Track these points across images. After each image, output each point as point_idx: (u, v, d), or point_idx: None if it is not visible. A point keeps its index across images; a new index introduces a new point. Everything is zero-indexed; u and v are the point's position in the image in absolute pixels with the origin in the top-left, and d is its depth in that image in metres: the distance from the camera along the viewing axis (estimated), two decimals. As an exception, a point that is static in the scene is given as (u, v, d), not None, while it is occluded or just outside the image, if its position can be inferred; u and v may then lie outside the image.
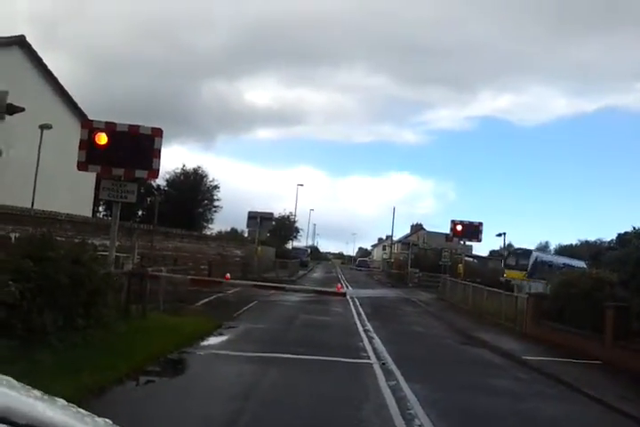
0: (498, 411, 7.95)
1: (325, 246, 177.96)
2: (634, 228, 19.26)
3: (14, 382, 0.63)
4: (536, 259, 42.32)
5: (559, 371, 11.13)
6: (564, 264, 48.68)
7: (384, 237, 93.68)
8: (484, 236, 34.55)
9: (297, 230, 72.93)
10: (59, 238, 9.76)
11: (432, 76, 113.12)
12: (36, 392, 0.65)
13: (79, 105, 26.61)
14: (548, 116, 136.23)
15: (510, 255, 43.36)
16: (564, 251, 68.14)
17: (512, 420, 7.59)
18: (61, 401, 0.68)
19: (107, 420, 0.77)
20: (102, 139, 11.65)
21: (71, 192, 23.83)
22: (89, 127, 11.90)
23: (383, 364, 10.41)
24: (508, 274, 39.40)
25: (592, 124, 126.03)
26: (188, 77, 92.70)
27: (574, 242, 76.02)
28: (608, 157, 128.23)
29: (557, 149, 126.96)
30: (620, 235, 44.84)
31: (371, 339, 13.62)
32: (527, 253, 42.98)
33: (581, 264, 44.96)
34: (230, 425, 6.11)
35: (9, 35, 22.67)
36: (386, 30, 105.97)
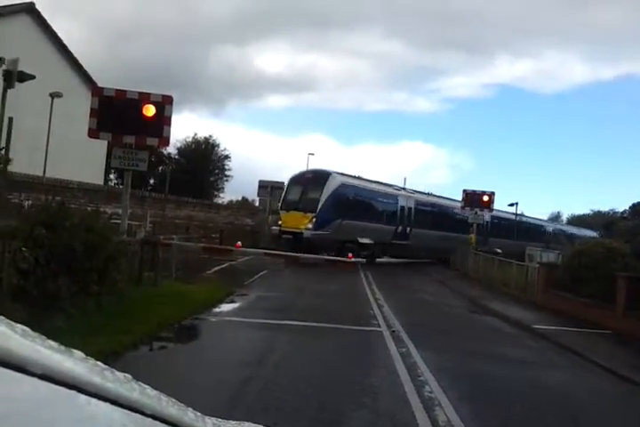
0: (508, 379, 8.00)
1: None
2: (648, 198, 19.02)
3: (29, 331, 0.61)
4: (338, 190, 23.06)
5: (570, 340, 11.16)
6: (433, 206, 30.31)
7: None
8: (496, 206, 31.55)
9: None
10: (71, 206, 9.79)
11: (447, 42, 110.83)
12: (52, 343, 0.63)
13: (89, 73, 26.45)
14: (566, 84, 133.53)
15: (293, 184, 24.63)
16: (576, 221, 67.86)
17: (522, 388, 7.63)
18: (79, 353, 0.67)
19: (127, 375, 0.74)
20: (113, 106, 11.61)
21: (82, 160, 23.91)
22: (99, 94, 11.84)
23: (393, 331, 10.49)
24: (284, 219, 23.43)
25: (610, 91, 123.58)
26: (198, 43, 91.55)
27: (587, 212, 75.70)
28: (623, 126, 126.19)
29: (573, 118, 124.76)
30: (633, 205, 44.55)
31: (381, 307, 13.70)
32: (321, 176, 23.27)
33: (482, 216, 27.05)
34: (242, 390, 6.18)
35: (18, 2, 22.41)
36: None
